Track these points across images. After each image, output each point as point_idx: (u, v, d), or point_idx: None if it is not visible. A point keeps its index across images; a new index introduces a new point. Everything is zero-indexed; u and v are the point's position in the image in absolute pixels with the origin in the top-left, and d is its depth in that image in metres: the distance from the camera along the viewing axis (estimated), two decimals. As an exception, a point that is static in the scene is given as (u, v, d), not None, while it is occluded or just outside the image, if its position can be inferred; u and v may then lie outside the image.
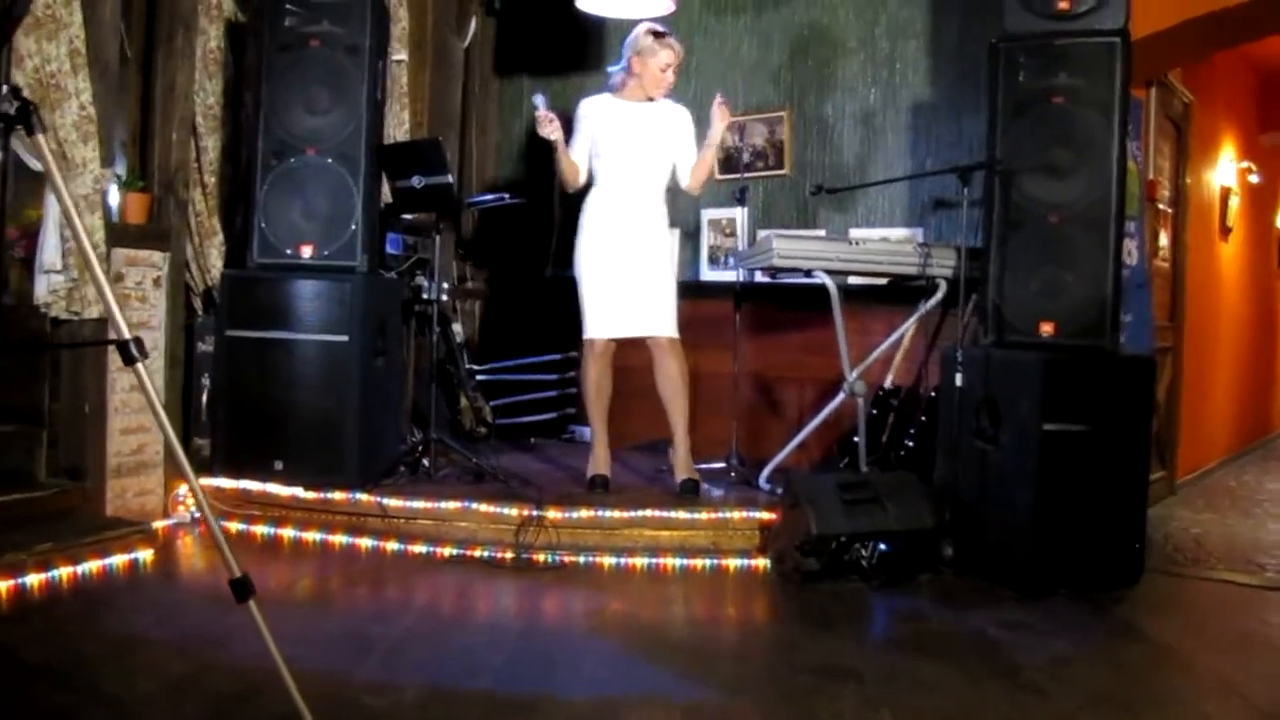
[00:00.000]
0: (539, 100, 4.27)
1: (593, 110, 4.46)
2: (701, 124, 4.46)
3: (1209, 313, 6.88)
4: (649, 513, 4.12)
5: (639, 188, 4.41)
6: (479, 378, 5.75)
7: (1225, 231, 7.18)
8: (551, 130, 4.26)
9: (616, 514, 4.11)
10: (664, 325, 4.38)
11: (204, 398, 4.53)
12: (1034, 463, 3.83)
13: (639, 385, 4.56)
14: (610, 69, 4.56)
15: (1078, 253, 4.01)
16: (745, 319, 4.94)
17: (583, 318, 4.43)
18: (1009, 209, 4.11)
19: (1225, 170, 7.12)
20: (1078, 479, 3.84)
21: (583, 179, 4.48)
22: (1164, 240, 6.01)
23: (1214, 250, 7.05)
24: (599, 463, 4.52)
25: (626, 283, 4.36)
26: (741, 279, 4.90)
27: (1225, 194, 7.10)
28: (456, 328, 5.81)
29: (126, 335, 2.06)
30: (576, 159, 4.44)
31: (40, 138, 2.05)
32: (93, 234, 4.00)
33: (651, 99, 4.43)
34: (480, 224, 6.19)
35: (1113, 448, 3.89)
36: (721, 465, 4.91)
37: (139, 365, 2.09)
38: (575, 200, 4.51)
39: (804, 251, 4.36)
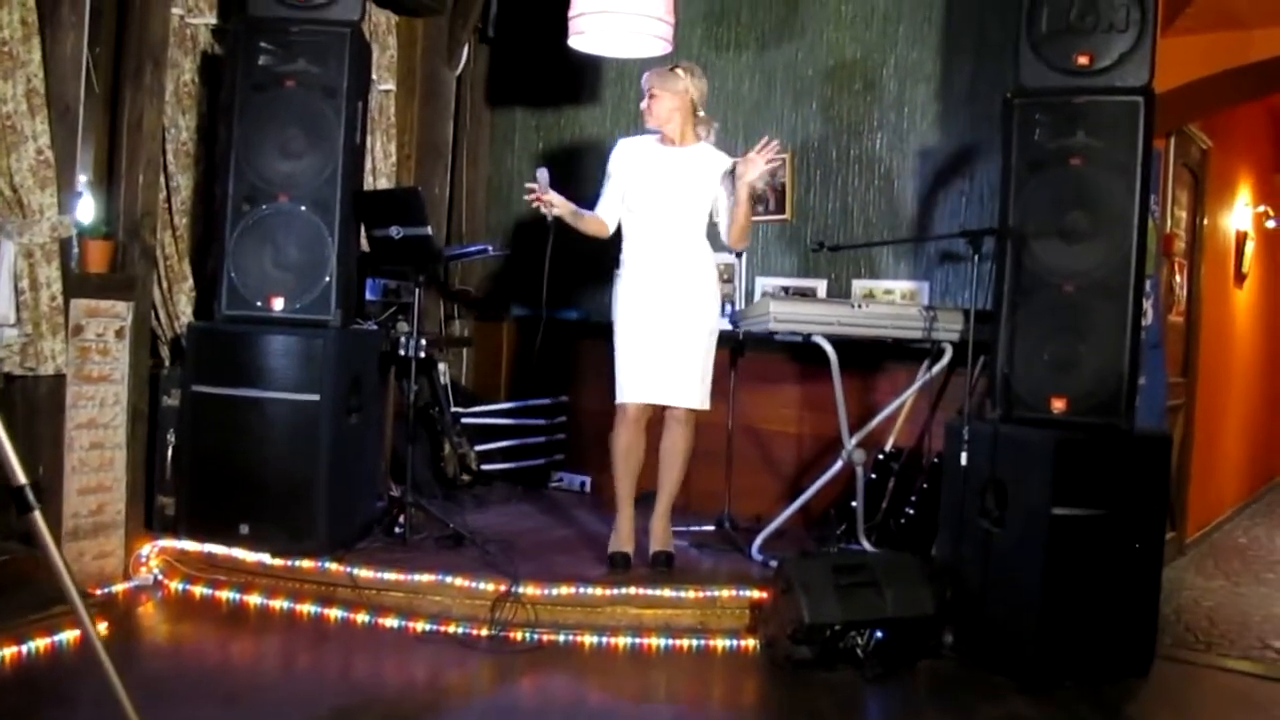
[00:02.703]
0: (542, 175, 4.04)
1: (626, 153, 4.20)
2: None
3: (1221, 363, 6.67)
4: (632, 590, 3.90)
5: (672, 238, 4.13)
6: (464, 421, 5.54)
7: (1240, 278, 6.97)
8: (549, 208, 4.03)
9: (598, 591, 3.88)
10: (691, 396, 4.12)
11: (169, 454, 4.29)
12: (1042, 548, 3.60)
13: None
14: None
15: (1093, 324, 3.77)
16: (742, 369, 4.72)
17: (616, 380, 4.15)
18: (1020, 275, 3.86)
19: (1241, 215, 6.90)
20: (1088, 565, 3.61)
21: (612, 226, 4.22)
22: (1179, 289, 5.79)
23: (1228, 297, 6.84)
24: (622, 538, 4.20)
25: (662, 346, 4.09)
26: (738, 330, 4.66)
27: (1241, 239, 6.89)
28: (442, 367, 5.61)
29: (21, 480, 1.83)
30: (605, 204, 4.20)
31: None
32: (50, 285, 3.79)
33: (686, 143, 4.15)
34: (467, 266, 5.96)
35: (1125, 533, 3.66)
36: (712, 528, 4.69)
37: (35, 514, 1.87)
38: (575, 243, 4.25)
39: (802, 315, 4.14)
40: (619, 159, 4.21)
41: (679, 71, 4.12)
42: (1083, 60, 3.80)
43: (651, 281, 4.13)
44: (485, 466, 5.46)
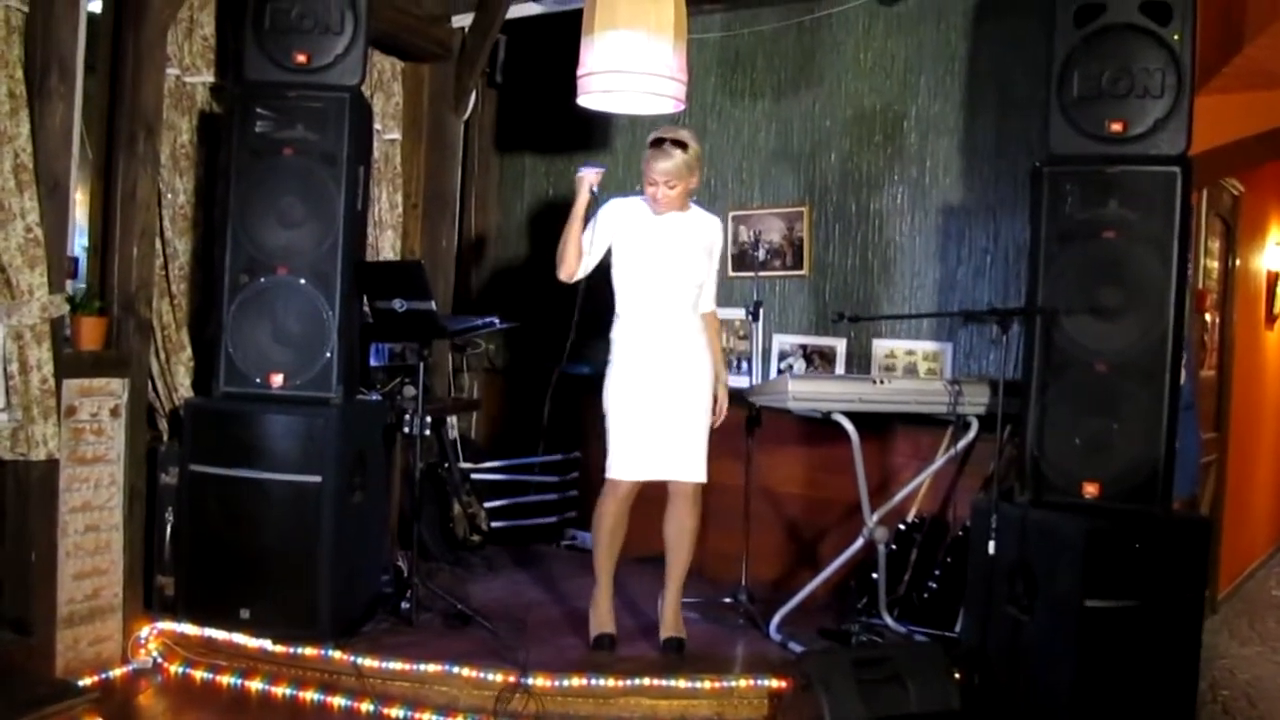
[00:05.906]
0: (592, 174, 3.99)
1: (620, 214, 4.00)
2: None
3: (1253, 409, 6.46)
4: (647, 681, 3.74)
5: (670, 311, 3.97)
6: (474, 477, 5.39)
7: (1271, 320, 6.76)
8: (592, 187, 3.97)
9: (611, 683, 3.73)
10: (693, 470, 3.97)
11: (168, 532, 4.15)
12: (1073, 640, 3.45)
13: (646, 492, 4.07)
14: None
15: (1127, 406, 3.60)
16: (758, 431, 4.55)
17: (607, 454, 4.01)
18: (1051, 352, 3.69)
19: (1272, 255, 6.69)
20: (1122, 659, 3.45)
21: (580, 275, 4.02)
22: (1210, 340, 5.61)
23: (1260, 340, 6.63)
24: (603, 619, 4.08)
25: (659, 420, 3.94)
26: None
27: (1272, 280, 6.68)
28: (451, 420, 5.47)
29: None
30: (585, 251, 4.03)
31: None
32: (41, 367, 3.66)
33: (681, 209, 3.99)
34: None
35: (1162, 624, 3.50)
36: (729, 600, 4.53)
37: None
38: (586, 299, 4.12)
39: (821, 394, 3.98)
40: (612, 221, 4.00)
41: (680, 152, 3.87)
42: (1116, 127, 3.64)
43: (650, 355, 3.97)
44: (495, 524, 5.32)
